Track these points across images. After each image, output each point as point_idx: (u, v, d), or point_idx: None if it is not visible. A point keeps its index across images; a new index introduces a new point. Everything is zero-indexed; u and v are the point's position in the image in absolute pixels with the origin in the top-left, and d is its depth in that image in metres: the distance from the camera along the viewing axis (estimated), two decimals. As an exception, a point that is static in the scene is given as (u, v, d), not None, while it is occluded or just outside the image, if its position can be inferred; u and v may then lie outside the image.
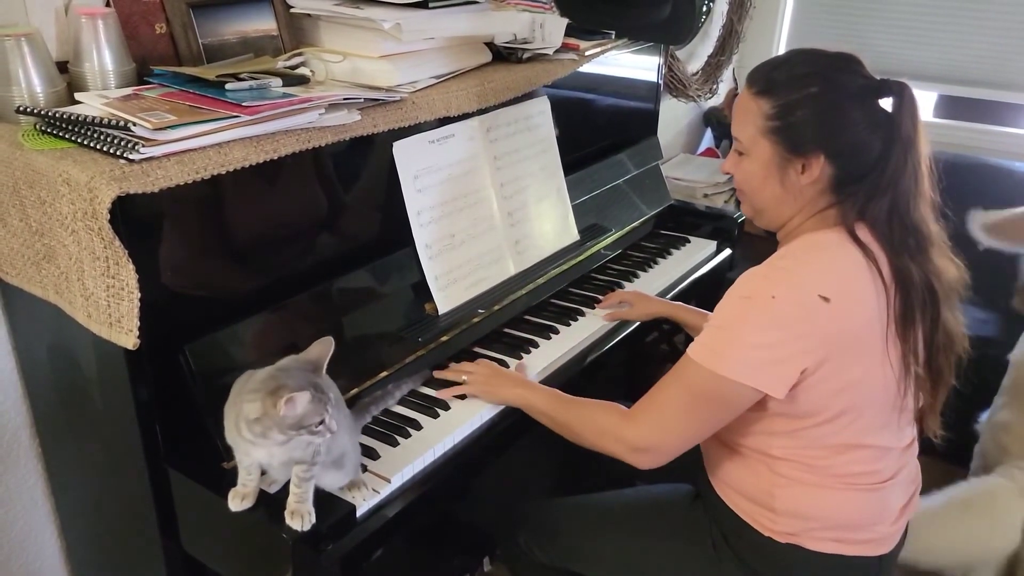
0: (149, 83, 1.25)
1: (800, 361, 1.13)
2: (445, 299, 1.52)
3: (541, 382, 1.49)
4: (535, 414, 1.36)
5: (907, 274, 1.16)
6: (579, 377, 1.57)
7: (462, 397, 1.41)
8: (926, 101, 3.12)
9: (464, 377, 1.42)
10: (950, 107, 3.08)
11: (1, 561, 1.47)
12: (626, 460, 1.23)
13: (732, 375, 1.13)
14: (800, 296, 1.12)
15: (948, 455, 2.31)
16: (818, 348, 1.12)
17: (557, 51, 1.74)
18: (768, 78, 1.20)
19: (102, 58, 1.21)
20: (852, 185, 1.18)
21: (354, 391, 1.34)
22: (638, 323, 1.72)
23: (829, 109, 1.16)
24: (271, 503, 1.11)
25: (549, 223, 1.77)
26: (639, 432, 1.22)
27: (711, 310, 1.22)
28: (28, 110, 1.14)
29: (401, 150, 1.43)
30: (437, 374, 1.46)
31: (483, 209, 1.62)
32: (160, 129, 1.05)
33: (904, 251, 1.17)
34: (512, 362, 1.52)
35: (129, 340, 1.05)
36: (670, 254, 2.04)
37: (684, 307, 1.71)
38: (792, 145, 1.18)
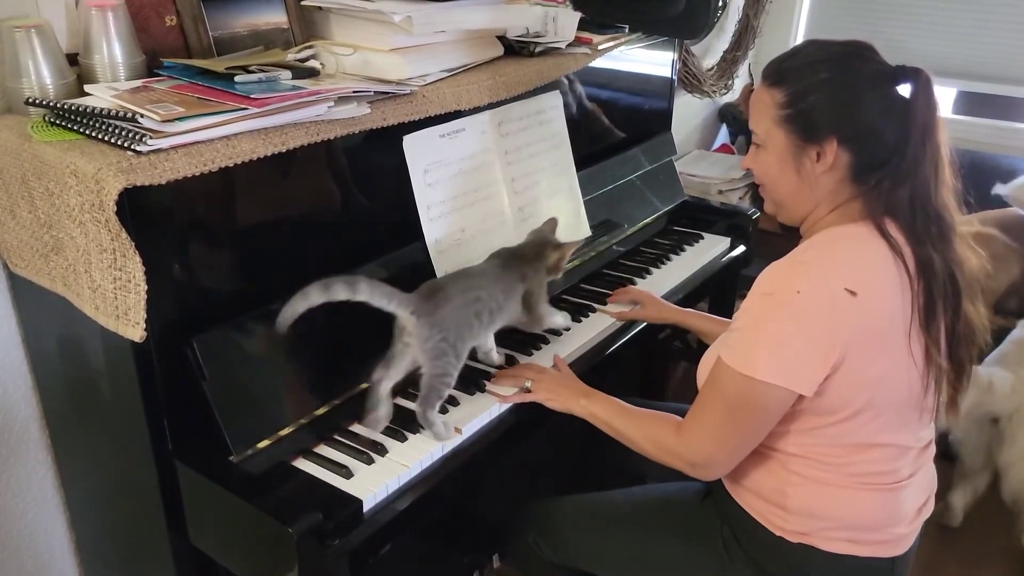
0: (159, 75, 1.25)
1: (828, 357, 1.11)
2: (455, 294, 1.50)
3: (552, 379, 1.48)
4: (597, 424, 1.34)
5: (930, 264, 1.14)
6: (591, 374, 1.55)
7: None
8: (945, 97, 3.08)
9: (527, 383, 1.40)
10: (970, 103, 3.04)
11: (12, 552, 1.48)
12: (688, 473, 1.23)
13: (763, 377, 1.11)
14: (825, 290, 1.11)
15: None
16: (844, 343, 1.11)
17: (570, 45, 1.73)
18: (780, 68, 1.20)
19: (112, 50, 1.21)
20: (872, 173, 1.17)
21: (364, 385, 1.33)
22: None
23: (841, 94, 1.15)
24: (278, 497, 1.11)
25: (561, 218, 1.75)
26: (690, 447, 1.21)
27: (725, 308, 1.21)
28: (37, 102, 1.14)
29: (411, 144, 1.42)
30: (497, 377, 1.43)
31: (494, 204, 1.61)
32: (168, 121, 1.05)
33: (927, 239, 1.15)
34: (523, 358, 1.51)
35: (136, 333, 1.05)
36: (683, 251, 2.02)
37: (697, 314, 1.68)
38: (805, 132, 1.17)
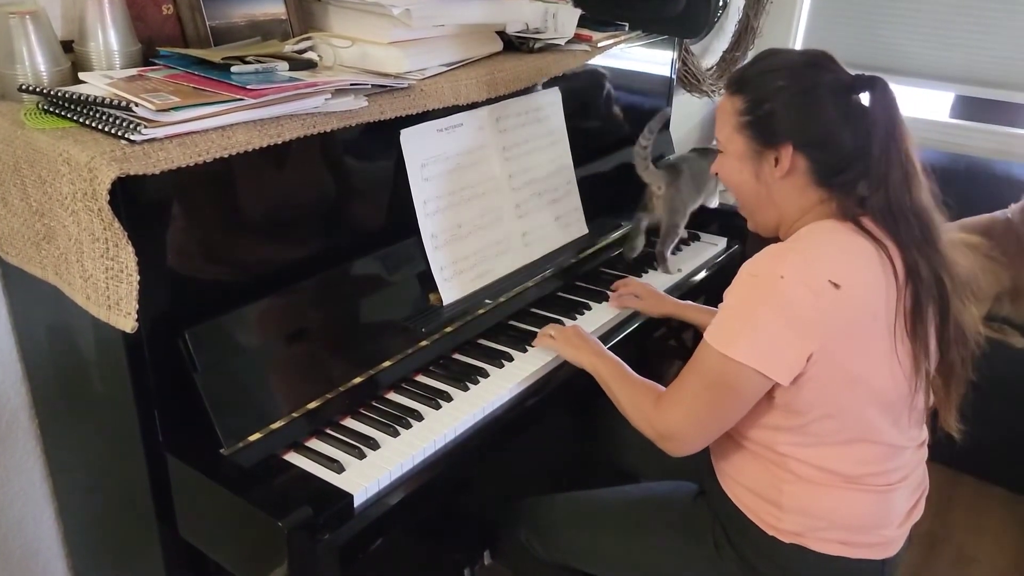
0: (155, 64, 1.24)
1: (805, 347, 1.11)
2: (450, 290, 1.50)
3: (546, 375, 1.48)
4: (600, 382, 1.38)
5: (915, 268, 1.15)
6: (585, 372, 1.55)
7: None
8: (943, 102, 3.08)
9: (552, 333, 1.48)
10: (967, 108, 3.04)
11: (-1, 542, 1.47)
12: (655, 443, 1.25)
13: (739, 357, 1.12)
14: (809, 279, 1.11)
15: (961, 460, 2.30)
16: (822, 334, 1.11)
17: (569, 42, 1.72)
18: (740, 77, 1.25)
19: (107, 38, 1.20)
20: (834, 177, 1.19)
21: (355, 380, 1.33)
22: (645, 318, 1.70)
23: (796, 100, 1.18)
24: (269, 490, 1.11)
25: (558, 215, 1.75)
26: (662, 418, 1.23)
27: (719, 307, 1.22)
28: (31, 88, 1.13)
29: (408, 138, 1.42)
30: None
31: (491, 200, 1.60)
32: (163, 111, 1.04)
33: (911, 243, 1.16)
34: (517, 354, 1.51)
35: (127, 323, 1.04)
36: (679, 250, 2.02)
37: (695, 307, 1.68)
38: (763, 138, 1.21)
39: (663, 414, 1.23)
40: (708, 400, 1.18)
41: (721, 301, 1.20)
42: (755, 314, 1.13)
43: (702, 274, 1.94)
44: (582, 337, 1.46)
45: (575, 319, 1.65)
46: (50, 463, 1.49)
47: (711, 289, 2.04)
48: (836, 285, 1.10)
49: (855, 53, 3.03)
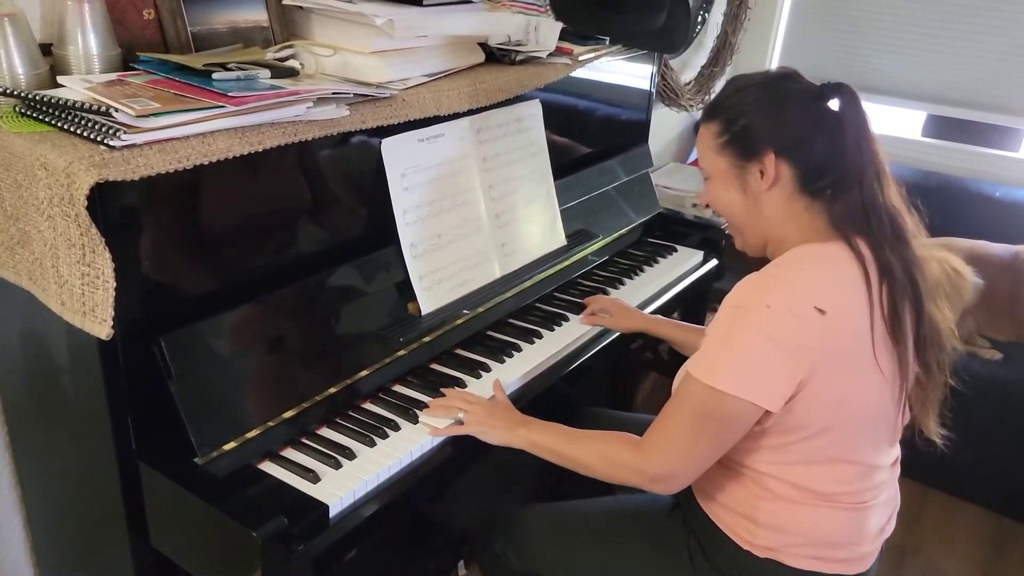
0: (135, 69, 1.23)
1: (795, 374, 1.12)
2: (429, 299, 1.50)
3: (523, 387, 1.48)
4: (540, 453, 1.29)
5: (889, 268, 1.17)
6: (561, 383, 1.56)
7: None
8: (916, 120, 3.14)
9: (460, 415, 1.34)
10: (939, 127, 3.10)
11: (-35, 551, 1.44)
12: (647, 489, 1.21)
13: (730, 389, 1.12)
14: (795, 306, 1.12)
15: (931, 475, 2.33)
16: (811, 361, 1.12)
17: (551, 55, 1.73)
18: (713, 104, 1.28)
19: (87, 42, 1.19)
20: (816, 182, 1.21)
21: (332, 389, 1.32)
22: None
23: (769, 109, 1.21)
24: (243, 500, 1.10)
25: (537, 227, 1.76)
26: (652, 460, 1.19)
27: (696, 320, 1.22)
28: (8, 92, 1.12)
29: (389, 148, 1.42)
30: (430, 407, 1.36)
31: (470, 210, 1.60)
32: (143, 116, 1.03)
33: (884, 241, 1.18)
34: (495, 365, 1.51)
35: (103, 330, 1.03)
36: (657, 262, 2.04)
37: (666, 321, 1.69)
38: (743, 152, 1.23)
39: (653, 458, 1.19)
40: (701, 435, 1.16)
41: (695, 312, 1.21)
42: (744, 344, 1.13)
43: (679, 287, 1.96)
44: (494, 414, 1.33)
45: (552, 330, 1.65)
46: (19, 471, 1.47)
47: (688, 302, 2.06)
48: (821, 311, 1.11)
49: (830, 70, 3.08)
